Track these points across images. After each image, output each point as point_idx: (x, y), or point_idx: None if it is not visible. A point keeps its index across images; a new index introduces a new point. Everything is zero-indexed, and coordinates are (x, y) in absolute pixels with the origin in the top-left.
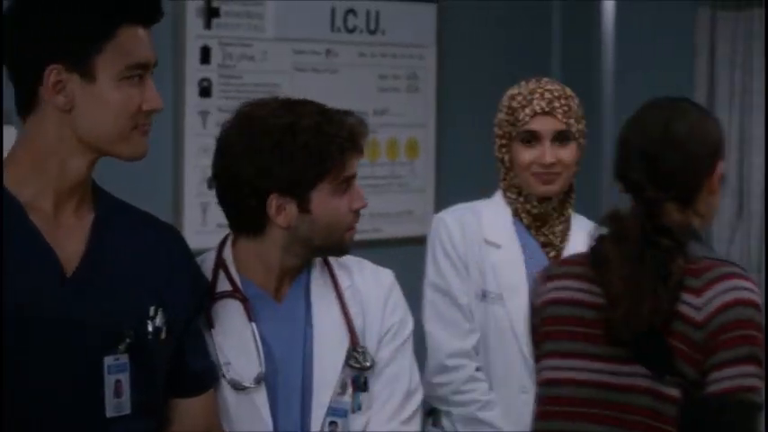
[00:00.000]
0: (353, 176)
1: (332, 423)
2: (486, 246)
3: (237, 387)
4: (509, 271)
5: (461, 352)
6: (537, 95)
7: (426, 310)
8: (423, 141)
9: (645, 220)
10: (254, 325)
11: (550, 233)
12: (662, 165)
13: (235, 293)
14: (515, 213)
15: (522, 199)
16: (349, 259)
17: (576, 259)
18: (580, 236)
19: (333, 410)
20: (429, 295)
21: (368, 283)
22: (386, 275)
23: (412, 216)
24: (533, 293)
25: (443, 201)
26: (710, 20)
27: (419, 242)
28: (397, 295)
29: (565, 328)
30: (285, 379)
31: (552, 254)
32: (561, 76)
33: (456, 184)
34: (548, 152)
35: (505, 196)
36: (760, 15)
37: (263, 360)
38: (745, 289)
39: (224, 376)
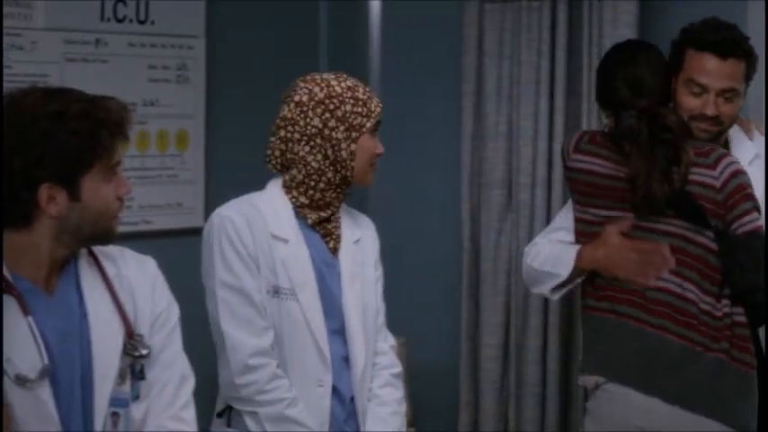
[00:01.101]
0: (119, 163)
1: (114, 414)
2: (273, 240)
3: (23, 381)
4: (299, 265)
5: (262, 350)
6: (362, 86)
7: (220, 310)
8: (192, 133)
9: (651, 123)
10: (30, 318)
11: (328, 224)
12: (645, 81)
13: (7, 289)
14: (297, 213)
15: (310, 193)
16: (111, 248)
17: (602, 141)
18: (348, 223)
19: (114, 401)
20: (221, 294)
21: (133, 270)
22: (149, 262)
23: (182, 208)
24: (565, 153)
25: (213, 193)
26: (478, 13)
27: (189, 234)
28: (162, 282)
29: (602, 191)
30: (65, 372)
31: (332, 244)
32: None
33: (225, 177)
34: (380, 143)
35: (290, 193)
36: (528, 7)
37: (45, 354)
38: (738, 162)
39: (6, 374)
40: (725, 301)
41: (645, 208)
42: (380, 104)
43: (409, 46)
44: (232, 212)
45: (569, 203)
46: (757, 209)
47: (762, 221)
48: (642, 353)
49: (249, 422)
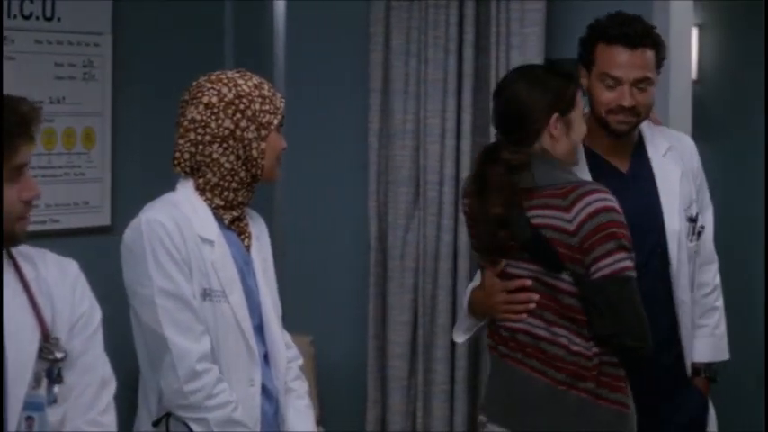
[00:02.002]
0: (25, 165)
1: (28, 418)
2: (201, 243)
3: None
4: (226, 266)
5: (205, 355)
6: (266, 83)
7: (162, 319)
8: (99, 131)
9: (484, 160)
10: None
11: (240, 222)
12: (504, 117)
13: None
14: (216, 216)
15: (225, 195)
16: (32, 250)
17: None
18: (249, 220)
19: (28, 405)
20: (161, 302)
21: (52, 272)
22: (70, 265)
23: (89, 206)
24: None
25: (120, 191)
26: (385, 11)
27: (96, 232)
28: (84, 284)
29: (473, 233)
30: None
31: (246, 242)
32: None
33: (132, 175)
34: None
35: (203, 195)
36: (435, 5)
37: None
38: (602, 199)
39: None
40: (592, 342)
41: (492, 250)
42: (284, 99)
43: (315, 45)
44: (161, 216)
45: None
46: (623, 248)
47: (627, 262)
48: (512, 392)
49: (196, 427)
